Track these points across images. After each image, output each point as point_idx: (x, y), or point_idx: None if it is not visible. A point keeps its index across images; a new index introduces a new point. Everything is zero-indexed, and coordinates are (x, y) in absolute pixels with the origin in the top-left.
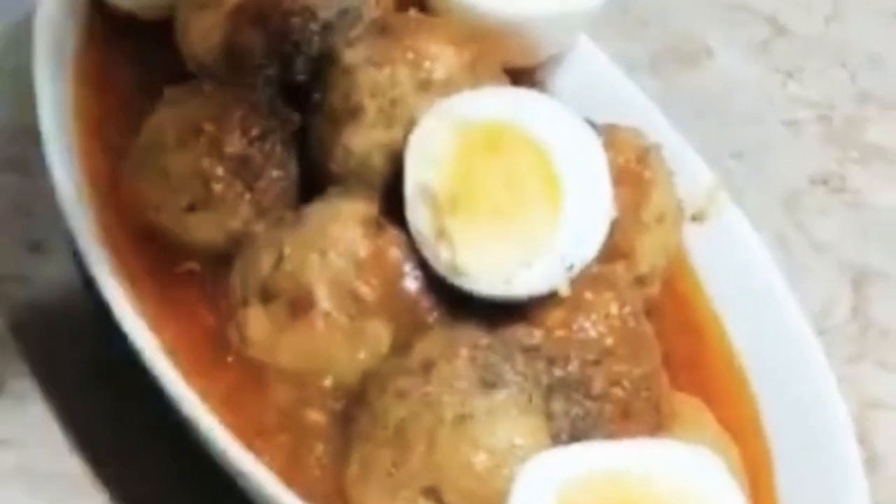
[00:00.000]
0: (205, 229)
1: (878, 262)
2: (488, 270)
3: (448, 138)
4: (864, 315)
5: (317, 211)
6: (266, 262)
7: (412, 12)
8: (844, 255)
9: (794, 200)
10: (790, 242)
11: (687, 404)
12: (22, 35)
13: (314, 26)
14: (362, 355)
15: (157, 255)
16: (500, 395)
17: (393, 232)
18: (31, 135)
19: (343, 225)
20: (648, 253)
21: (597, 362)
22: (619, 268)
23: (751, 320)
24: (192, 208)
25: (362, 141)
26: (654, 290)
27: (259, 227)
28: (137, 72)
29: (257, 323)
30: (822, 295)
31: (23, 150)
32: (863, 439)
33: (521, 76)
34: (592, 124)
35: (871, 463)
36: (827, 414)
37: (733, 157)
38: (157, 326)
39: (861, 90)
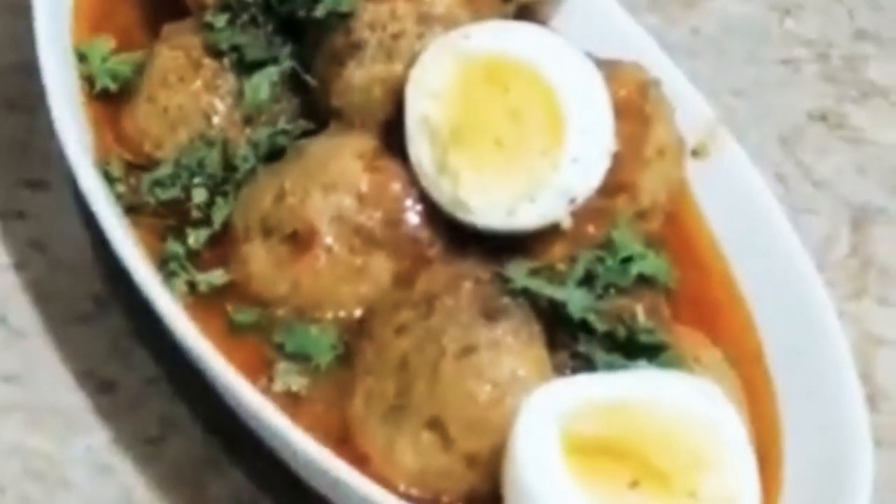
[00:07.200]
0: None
1: (877, 199)
2: (490, 203)
3: (449, 71)
4: (864, 252)
5: (318, 145)
6: (267, 196)
7: None
8: (844, 192)
9: (793, 138)
10: (789, 179)
11: (688, 338)
12: None
13: None
14: (364, 290)
15: None
16: (503, 328)
17: (395, 166)
18: (30, 72)
19: (344, 159)
20: (650, 187)
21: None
22: (621, 202)
23: (753, 256)
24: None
25: (363, 75)
26: (656, 224)
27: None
28: (136, 9)
29: (259, 258)
30: (821, 232)
31: (22, 88)
32: (864, 376)
33: (523, 11)
34: (594, 58)
35: (873, 399)
36: (829, 348)
37: (732, 95)
38: None
39: (859, 28)
